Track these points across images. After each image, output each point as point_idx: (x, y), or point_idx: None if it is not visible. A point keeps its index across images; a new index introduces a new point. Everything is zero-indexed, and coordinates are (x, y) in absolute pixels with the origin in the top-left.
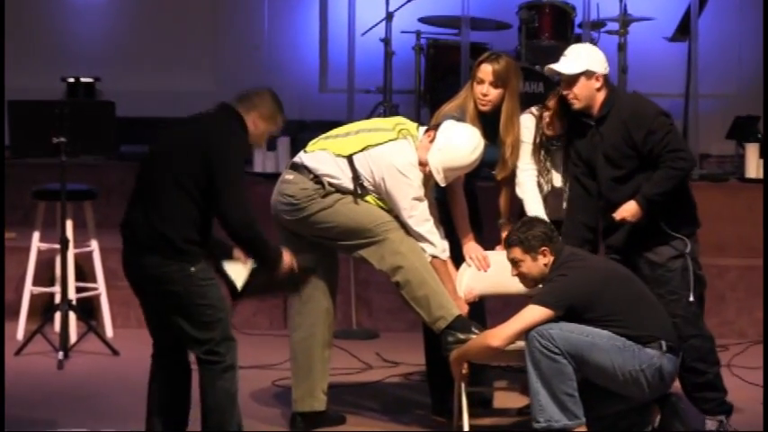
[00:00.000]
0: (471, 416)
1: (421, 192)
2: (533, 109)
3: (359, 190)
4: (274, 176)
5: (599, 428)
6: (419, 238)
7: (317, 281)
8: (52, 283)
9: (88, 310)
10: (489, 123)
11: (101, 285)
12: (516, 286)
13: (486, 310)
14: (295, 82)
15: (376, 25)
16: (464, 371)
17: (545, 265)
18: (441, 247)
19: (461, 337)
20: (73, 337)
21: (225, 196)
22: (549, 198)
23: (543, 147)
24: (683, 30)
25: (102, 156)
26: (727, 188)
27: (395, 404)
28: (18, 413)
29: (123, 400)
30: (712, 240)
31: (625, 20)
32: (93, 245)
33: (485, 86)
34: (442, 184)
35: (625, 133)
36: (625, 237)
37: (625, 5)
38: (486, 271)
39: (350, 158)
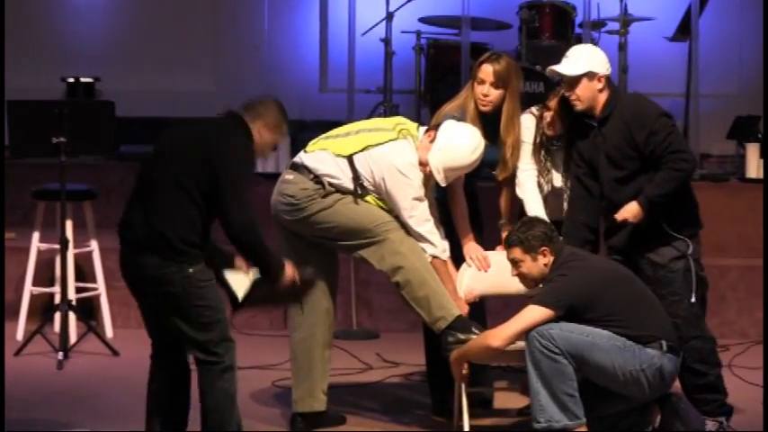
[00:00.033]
0: (471, 416)
1: (421, 192)
2: (533, 109)
3: (359, 190)
4: (274, 176)
5: (599, 428)
6: (419, 238)
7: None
8: (52, 284)
9: (88, 310)
10: (490, 124)
11: (100, 285)
12: (516, 286)
13: (486, 310)
14: (295, 82)
15: (376, 25)
16: (464, 371)
17: (545, 265)
18: (441, 248)
19: (462, 337)
20: (73, 338)
21: (227, 200)
22: (550, 198)
23: (543, 147)
24: (684, 29)
25: (101, 156)
26: (728, 188)
27: (395, 404)
28: (18, 413)
29: (123, 401)
30: (713, 240)
31: (625, 20)
32: (93, 245)
33: (485, 87)
34: (443, 184)
35: (627, 134)
36: (627, 238)
37: (625, 5)
38: (486, 271)
39: (350, 158)
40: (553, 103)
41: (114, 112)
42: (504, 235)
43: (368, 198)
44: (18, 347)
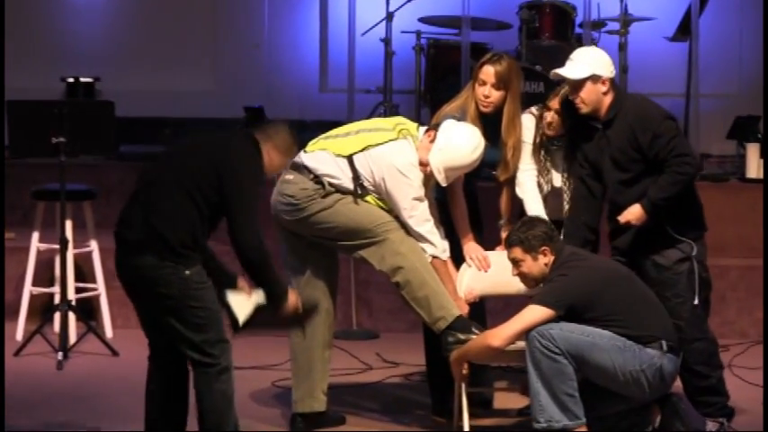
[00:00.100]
0: (471, 416)
1: (421, 192)
2: (533, 109)
3: (359, 190)
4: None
5: (599, 429)
6: (419, 238)
7: (317, 281)
8: (52, 284)
9: (88, 310)
10: (490, 124)
11: (100, 286)
12: (516, 286)
13: (486, 310)
14: (295, 82)
15: (376, 25)
16: (464, 371)
17: (546, 264)
18: (441, 248)
19: (462, 337)
20: (72, 338)
21: (237, 218)
22: (549, 198)
23: (543, 147)
24: (684, 29)
25: (101, 156)
26: (728, 188)
27: (395, 404)
28: (18, 413)
29: (123, 401)
30: (713, 240)
31: (626, 20)
32: (93, 245)
33: (486, 88)
34: (444, 184)
35: (631, 136)
36: (632, 239)
37: (626, 5)
38: (486, 271)
39: (350, 158)
40: (553, 103)
41: (114, 111)
42: (503, 235)
43: (368, 198)
44: (18, 348)
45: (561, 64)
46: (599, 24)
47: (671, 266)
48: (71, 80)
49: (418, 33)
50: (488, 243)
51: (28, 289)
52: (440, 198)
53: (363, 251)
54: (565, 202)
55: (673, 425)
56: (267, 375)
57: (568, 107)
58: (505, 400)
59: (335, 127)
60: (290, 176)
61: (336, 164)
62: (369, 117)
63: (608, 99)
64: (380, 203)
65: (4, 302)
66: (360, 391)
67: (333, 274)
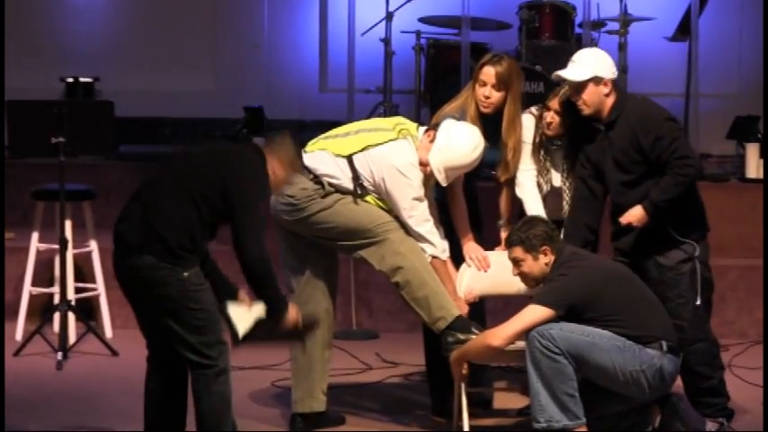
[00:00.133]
0: (471, 416)
1: (421, 192)
2: (533, 109)
3: (359, 190)
4: None
5: (599, 429)
6: (419, 238)
7: (316, 281)
8: (51, 284)
9: (87, 310)
10: (490, 124)
11: (100, 286)
12: (516, 286)
13: (486, 310)
14: (295, 82)
15: (376, 25)
16: (464, 371)
17: (546, 264)
18: (441, 248)
19: (461, 337)
20: (72, 338)
21: (241, 229)
22: (549, 198)
23: (543, 147)
24: (684, 29)
25: (101, 156)
26: (728, 188)
27: (395, 404)
28: (17, 413)
29: (123, 401)
30: (713, 240)
31: (625, 20)
32: (93, 245)
33: (487, 89)
34: (444, 184)
35: (633, 138)
36: (634, 240)
37: (625, 5)
38: (486, 271)
39: (350, 158)
40: (553, 103)
41: (113, 111)
42: (503, 235)
43: (368, 198)
44: (17, 348)
45: (561, 64)
46: (599, 24)
47: (673, 267)
48: (70, 80)
49: (418, 33)
50: (488, 243)
51: (27, 289)
52: (440, 198)
53: (363, 251)
54: (564, 202)
55: (673, 425)
56: (267, 375)
57: (569, 107)
58: (505, 400)
59: (335, 127)
60: None
61: (336, 164)
62: (368, 117)
63: (610, 101)
64: (380, 203)
65: (3, 302)
66: (359, 391)
67: (332, 274)
